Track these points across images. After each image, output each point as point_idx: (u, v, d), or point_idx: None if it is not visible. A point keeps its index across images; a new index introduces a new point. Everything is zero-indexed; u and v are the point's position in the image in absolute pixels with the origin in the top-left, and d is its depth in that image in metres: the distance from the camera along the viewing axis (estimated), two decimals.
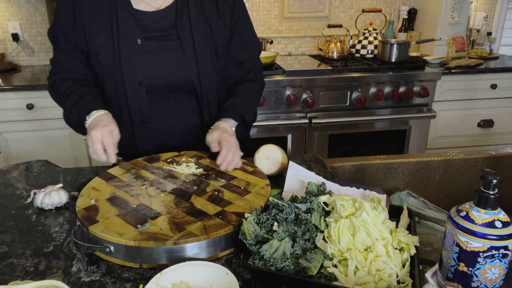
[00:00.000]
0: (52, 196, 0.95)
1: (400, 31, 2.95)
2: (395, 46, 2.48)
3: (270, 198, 0.83)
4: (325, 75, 2.31)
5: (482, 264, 0.62)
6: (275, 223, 0.76)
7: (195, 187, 0.94)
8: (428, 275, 0.71)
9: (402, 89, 2.37)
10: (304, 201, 0.80)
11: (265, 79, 1.35)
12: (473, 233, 0.61)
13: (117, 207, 0.85)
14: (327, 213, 0.79)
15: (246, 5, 1.49)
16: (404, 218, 0.81)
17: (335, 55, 2.70)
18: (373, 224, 0.72)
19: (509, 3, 3.11)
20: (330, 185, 0.92)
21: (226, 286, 0.67)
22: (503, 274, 0.64)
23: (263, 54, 2.19)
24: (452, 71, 2.46)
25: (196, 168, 1.04)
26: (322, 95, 2.33)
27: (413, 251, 0.72)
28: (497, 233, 0.60)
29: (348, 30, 2.78)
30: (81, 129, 1.11)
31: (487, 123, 2.63)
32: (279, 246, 0.71)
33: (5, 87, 2.17)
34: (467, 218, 0.63)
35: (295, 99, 2.26)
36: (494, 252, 0.61)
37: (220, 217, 0.81)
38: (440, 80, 2.41)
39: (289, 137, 2.39)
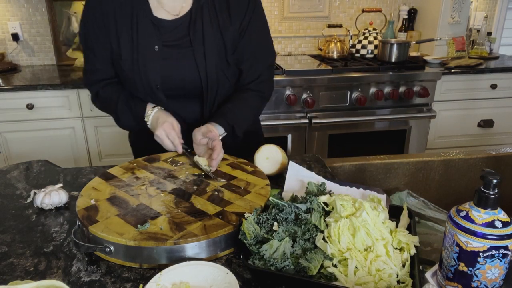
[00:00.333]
0: (52, 196, 0.95)
1: (400, 31, 2.95)
2: (395, 46, 2.48)
3: (270, 198, 0.83)
4: (325, 75, 2.31)
5: (482, 264, 0.62)
6: (275, 223, 0.76)
7: (195, 187, 0.94)
8: (428, 275, 0.71)
9: (402, 89, 2.37)
10: (304, 201, 0.80)
11: None
12: (473, 233, 0.61)
13: (117, 207, 0.85)
14: (327, 213, 0.79)
15: None
16: (404, 218, 0.81)
17: (335, 55, 2.70)
18: (373, 224, 0.72)
19: (509, 3, 3.11)
20: (330, 185, 0.92)
21: (226, 286, 0.67)
22: (503, 274, 0.64)
23: None
24: (452, 71, 2.46)
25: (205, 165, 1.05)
26: (322, 95, 2.33)
27: (413, 251, 0.72)
28: (497, 233, 0.60)
29: (348, 30, 2.78)
30: (137, 127, 1.19)
31: (487, 123, 2.62)
32: (279, 246, 0.71)
33: (5, 87, 2.17)
34: (467, 218, 0.63)
35: (295, 99, 2.26)
36: (494, 252, 0.61)
37: (220, 217, 0.81)
38: (440, 80, 2.41)
39: (289, 137, 2.39)
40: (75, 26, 2.72)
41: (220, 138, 1.08)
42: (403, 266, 0.70)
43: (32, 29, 2.68)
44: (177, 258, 0.75)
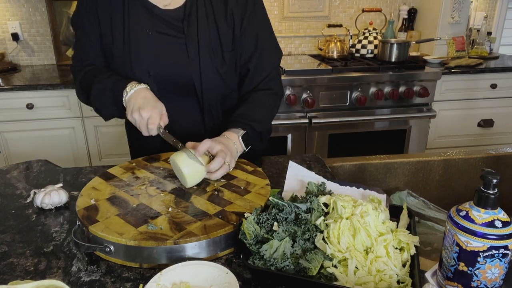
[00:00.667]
0: (52, 196, 0.95)
1: (400, 30, 2.95)
2: (395, 45, 2.48)
3: (270, 198, 0.83)
4: (325, 75, 2.31)
5: (482, 264, 0.62)
6: (275, 223, 0.76)
7: (195, 187, 0.94)
8: (428, 274, 0.71)
9: (402, 88, 2.37)
10: (304, 201, 0.80)
11: None
12: (473, 233, 0.61)
13: (117, 206, 0.85)
14: (326, 214, 0.79)
15: None
16: (404, 218, 0.81)
17: (335, 55, 2.70)
18: (374, 225, 0.72)
19: (509, 3, 3.11)
20: (330, 185, 0.92)
21: (226, 286, 0.67)
22: (503, 274, 0.64)
23: None
24: (452, 70, 2.46)
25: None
26: (322, 95, 2.33)
27: (413, 251, 0.72)
28: (497, 232, 0.60)
29: (348, 30, 2.78)
30: (113, 110, 1.10)
31: (487, 123, 2.63)
32: (279, 246, 0.71)
33: (5, 87, 2.17)
34: (467, 217, 0.63)
35: (295, 99, 2.26)
36: (494, 251, 0.61)
37: (220, 216, 0.81)
38: (440, 80, 2.41)
39: (289, 136, 2.39)
40: None
41: (240, 138, 1.05)
42: (403, 266, 0.70)
43: (32, 29, 2.68)
44: (177, 258, 0.75)
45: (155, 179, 0.98)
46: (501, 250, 0.61)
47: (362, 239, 0.70)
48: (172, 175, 1.00)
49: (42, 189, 0.97)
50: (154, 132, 1.00)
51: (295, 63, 2.61)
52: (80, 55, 1.15)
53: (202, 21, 1.10)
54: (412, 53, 2.86)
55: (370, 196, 0.84)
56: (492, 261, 0.62)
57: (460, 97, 2.54)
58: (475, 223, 0.62)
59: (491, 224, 0.61)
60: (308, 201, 0.80)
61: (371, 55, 2.70)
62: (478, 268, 0.63)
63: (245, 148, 1.08)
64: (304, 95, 2.30)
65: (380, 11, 2.77)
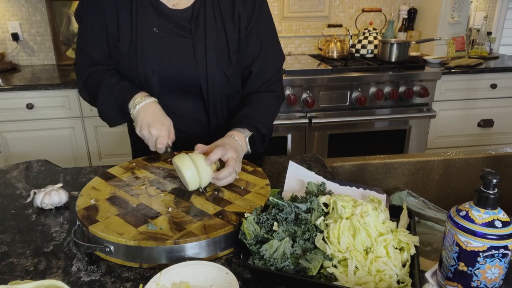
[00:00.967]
0: (52, 196, 0.95)
1: (400, 30, 2.95)
2: (395, 45, 2.48)
3: (270, 198, 0.83)
4: (325, 75, 2.31)
5: (482, 264, 0.62)
6: (275, 223, 0.76)
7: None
8: (428, 274, 0.71)
9: (402, 89, 2.37)
10: (304, 201, 0.80)
11: None
12: (473, 233, 0.61)
13: (117, 206, 0.85)
14: (326, 214, 0.79)
15: None
16: (404, 218, 0.81)
17: (335, 55, 2.70)
18: (374, 226, 0.72)
19: (509, 3, 3.11)
20: (330, 185, 0.92)
21: (226, 286, 0.67)
22: (503, 274, 0.64)
23: None
24: (452, 70, 2.46)
25: None
26: (322, 95, 2.33)
27: (413, 251, 0.72)
28: (497, 232, 0.60)
29: (348, 30, 2.78)
30: (120, 118, 1.10)
31: (487, 123, 2.62)
32: (279, 246, 0.71)
33: (5, 87, 2.17)
34: (467, 217, 0.63)
35: (295, 99, 2.26)
36: (494, 251, 0.61)
37: (220, 216, 0.81)
38: (440, 80, 2.41)
39: (289, 136, 2.39)
40: (75, 26, 2.71)
41: (247, 139, 1.05)
42: (403, 266, 0.70)
43: (32, 29, 2.68)
44: (177, 257, 0.75)
45: (155, 179, 0.98)
46: (501, 250, 0.61)
47: (362, 239, 0.70)
48: (172, 175, 1.00)
49: (42, 189, 0.97)
50: (162, 151, 1.01)
51: (295, 63, 2.61)
52: (84, 51, 1.14)
53: (210, 22, 1.10)
54: (412, 53, 2.86)
55: (370, 196, 0.85)
56: (492, 261, 0.62)
57: (460, 97, 2.54)
58: (475, 223, 0.62)
59: (491, 224, 0.61)
60: (308, 201, 0.80)
61: (371, 55, 2.70)
62: (478, 268, 0.63)
63: (249, 150, 1.08)
64: (304, 95, 2.30)
65: (380, 11, 2.77)
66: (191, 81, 1.13)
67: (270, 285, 0.71)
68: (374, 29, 2.73)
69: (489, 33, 3.05)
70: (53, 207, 0.96)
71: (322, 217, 0.76)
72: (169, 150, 1.02)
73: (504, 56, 2.93)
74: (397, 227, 0.77)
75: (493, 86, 2.54)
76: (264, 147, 1.20)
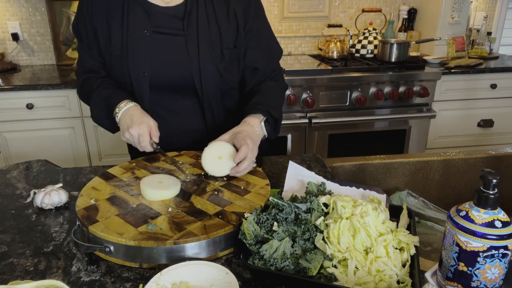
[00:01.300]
0: (52, 196, 0.95)
1: (400, 31, 2.95)
2: (395, 46, 2.48)
3: (270, 198, 0.83)
4: (325, 75, 2.31)
5: (482, 264, 0.62)
6: (275, 223, 0.76)
7: (195, 187, 0.94)
8: (428, 274, 0.71)
9: (402, 89, 2.37)
10: (304, 201, 0.80)
11: None
12: (473, 233, 0.61)
13: (117, 206, 0.85)
14: (326, 214, 0.79)
15: None
16: (404, 218, 0.81)
17: (335, 55, 2.70)
18: (374, 226, 0.72)
19: (509, 3, 3.11)
20: (330, 185, 0.92)
21: (226, 286, 0.67)
22: (503, 274, 0.64)
23: None
24: (452, 71, 2.46)
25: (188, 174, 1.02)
26: (322, 95, 2.33)
27: (413, 251, 0.72)
28: (497, 233, 0.60)
29: (348, 30, 2.78)
30: (109, 124, 1.14)
31: (487, 123, 2.63)
32: (279, 246, 0.71)
33: (5, 87, 2.17)
34: (467, 218, 0.63)
35: (295, 99, 2.26)
36: (494, 252, 0.61)
37: (220, 216, 0.81)
38: (440, 80, 2.41)
39: (289, 137, 2.39)
40: None
41: (262, 123, 1.09)
42: (403, 266, 0.70)
43: (32, 29, 2.68)
44: (177, 258, 0.75)
45: None
46: (501, 250, 0.61)
47: (362, 239, 0.70)
48: (172, 175, 1.00)
49: (42, 189, 0.97)
50: (148, 149, 1.03)
51: (295, 63, 2.61)
52: (81, 60, 1.21)
53: (202, 18, 1.11)
54: (412, 53, 2.86)
55: (370, 196, 0.85)
56: (492, 261, 0.62)
57: (460, 97, 2.54)
58: (475, 223, 0.62)
59: (491, 224, 0.61)
60: (308, 201, 0.80)
61: (371, 55, 2.70)
62: (478, 268, 0.63)
63: (266, 133, 1.11)
64: (304, 95, 2.30)
65: (380, 11, 2.77)
66: (184, 79, 1.13)
67: (270, 285, 0.71)
68: (374, 29, 2.73)
69: (489, 33, 3.05)
70: (53, 207, 0.96)
71: (322, 217, 0.76)
72: (154, 146, 1.04)
73: (504, 56, 2.93)
74: (397, 227, 0.77)
75: (493, 86, 2.54)
76: (276, 133, 1.22)
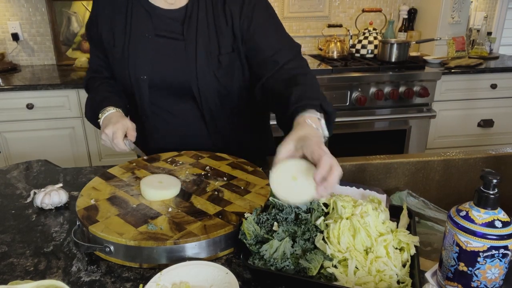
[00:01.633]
0: (52, 196, 0.95)
1: (400, 31, 2.95)
2: (395, 46, 2.48)
3: (270, 198, 0.83)
4: (325, 75, 2.31)
5: (482, 264, 0.62)
6: (275, 223, 0.76)
7: (195, 187, 0.94)
8: (428, 274, 0.71)
9: (402, 89, 2.37)
10: None
11: None
12: (473, 233, 0.61)
13: (117, 206, 0.85)
14: (326, 214, 0.79)
15: None
16: (404, 218, 0.81)
17: (335, 55, 2.70)
18: (374, 226, 0.72)
19: (509, 3, 3.11)
20: None
21: (226, 286, 0.67)
22: (503, 274, 0.64)
23: None
24: (452, 71, 2.46)
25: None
26: None
27: (413, 251, 0.72)
28: (497, 233, 0.60)
29: (348, 30, 2.78)
30: (98, 125, 1.15)
31: (487, 123, 2.63)
32: (279, 246, 0.71)
33: (5, 87, 2.17)
34: (467, 218, 0.63)
35: None
36: (494, 252, 0.61)
37: (220, 217, 0.81)
38: (440, 80, 2.41)
39: None
40: (75, 26, 2.72)
41: (322, 121, 0.85)
42: (403, 266, 0.70)
43: (32, 29, 2.68)
44: (177, 258, 0.75)
45: None
46: (501, 250, 0.61)
47: (362, 239, 0.70)
48: (172, 175, 1.00)
49: (42, 189, 0.97)
50: (121, 146, 1.03)
51: None
52: (90, 60, 1.27)
53: (202, 23, 1.10)
54: (412, 53, 2.86)
55: (370, 196, 0.85)
56: (492, 261, 0.62)
57: (460, 97, 2.55)
58: (475, 223, 0.62)
59: (491, 224, 0.61)
60: None
61: (371, 55, 2.70)
62: (478, 268, 0.63)
63: (327, 133, 0.86)
64: None
65: (380, 11, 2.77)
66: (183, 84, 1.13)
67: (270, 285, 0.71)
68: (374, 29, 2.73)
69: (489, 33, 3.05)
70: (53, 207, 0.96)
71: (322, 217, 0.76)
72: (126, 142, 1.04)
73: (504, 56, 2.93)
74: (397, 227, 0.77)
75: (493, 86, 2.54)
76: (331, 129, 0.94)
